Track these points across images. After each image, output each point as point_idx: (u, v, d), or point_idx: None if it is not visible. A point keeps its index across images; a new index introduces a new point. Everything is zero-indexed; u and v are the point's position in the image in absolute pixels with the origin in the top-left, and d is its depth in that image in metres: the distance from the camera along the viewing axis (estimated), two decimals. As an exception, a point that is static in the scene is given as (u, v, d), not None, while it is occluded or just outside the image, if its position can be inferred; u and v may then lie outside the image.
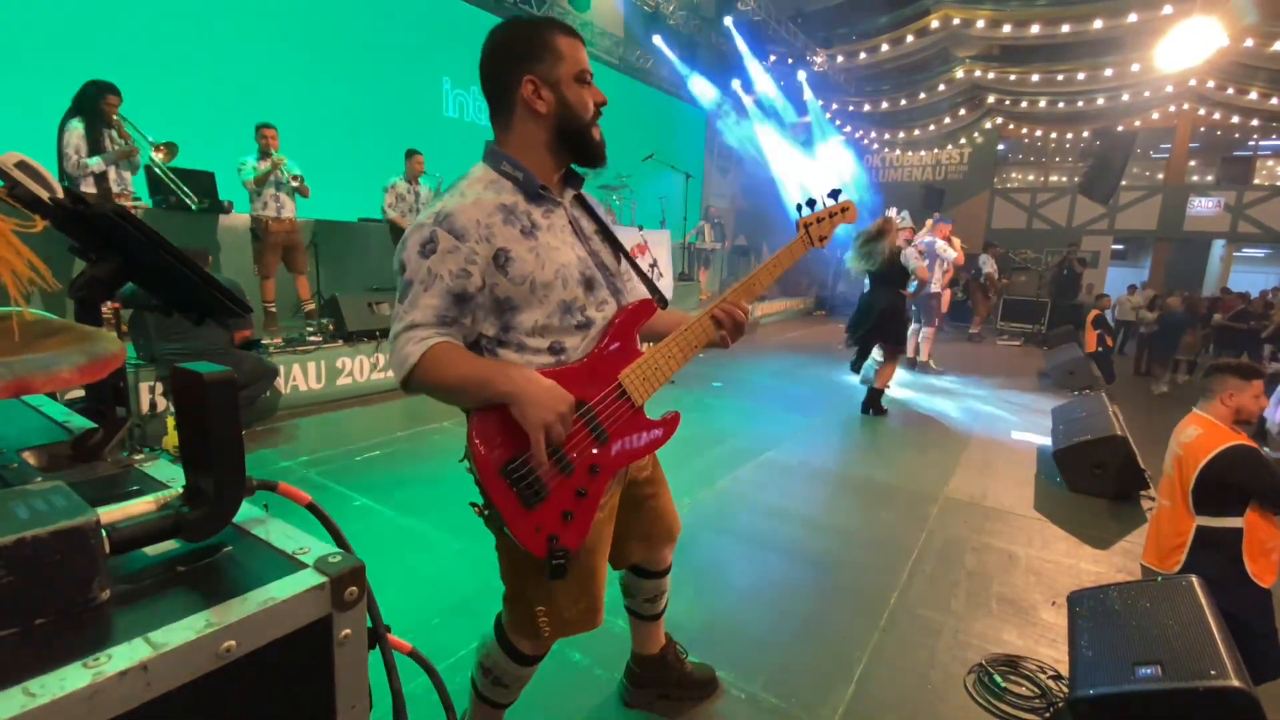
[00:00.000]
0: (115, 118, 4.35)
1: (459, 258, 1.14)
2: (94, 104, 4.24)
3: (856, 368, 5.69)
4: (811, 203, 1.47)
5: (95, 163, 4.22)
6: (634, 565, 1.63)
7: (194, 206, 5.07)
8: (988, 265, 10.66)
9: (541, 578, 1.21)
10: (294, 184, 5.28)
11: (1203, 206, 13.96)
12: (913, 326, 7.25)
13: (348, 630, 0.61)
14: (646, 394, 1.27)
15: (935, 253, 6.89)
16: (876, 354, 5.36)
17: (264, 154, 5.17)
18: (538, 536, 1.15)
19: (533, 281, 1.19)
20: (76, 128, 4.19)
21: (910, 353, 7.39)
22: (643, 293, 1.41)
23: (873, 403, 5.35)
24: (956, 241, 7.10)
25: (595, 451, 1.22)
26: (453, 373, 1.12)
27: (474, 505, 1.23)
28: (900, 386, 6.35)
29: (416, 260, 1.14)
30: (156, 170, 4.90)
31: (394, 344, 1.15)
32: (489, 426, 1.13)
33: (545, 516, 1.16)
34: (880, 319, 5.21)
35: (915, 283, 6.13)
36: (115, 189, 4.42)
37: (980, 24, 9.87)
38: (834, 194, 1.49)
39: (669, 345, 1.29)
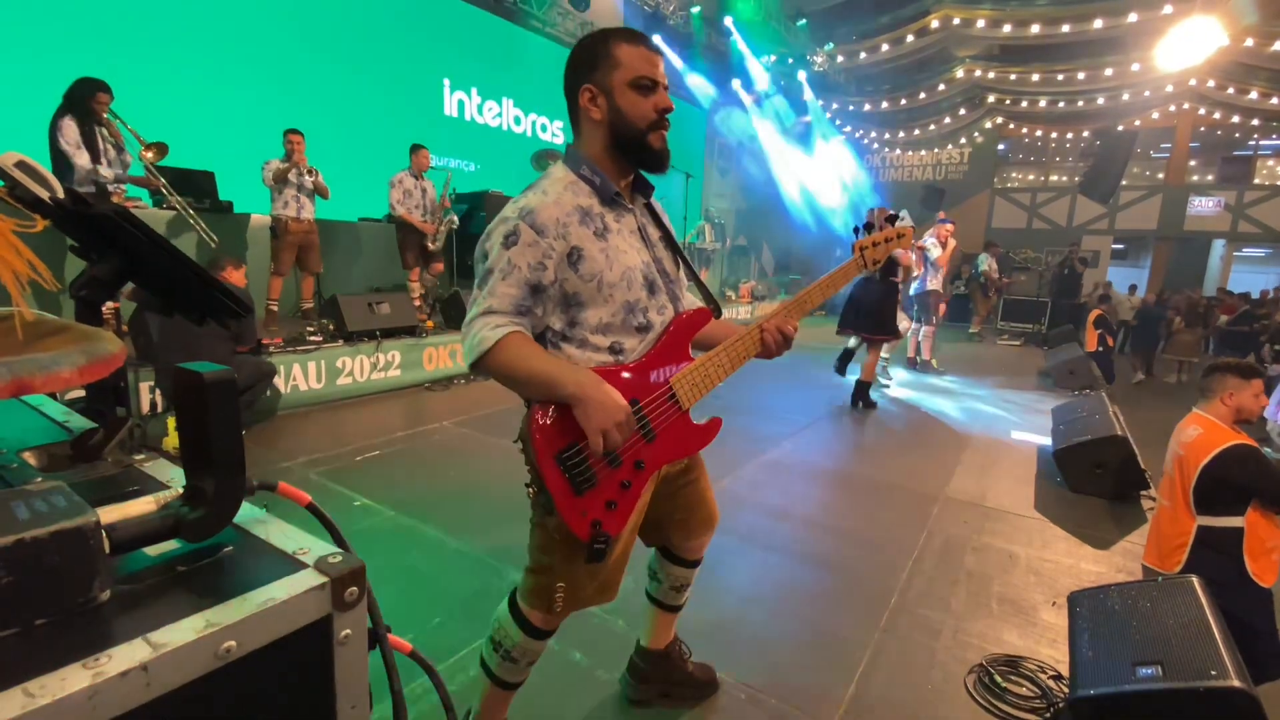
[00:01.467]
0: (105, 116, 4.34)
1: (538, 251, 1.21)
2: (84, 102, 4.23)
3: (841, 370, 5.72)
4: (870, 227, 1.54)
5: (107, 174, 4.28)
6: (668, 549, 1.68)
7: (180, 209, 5.05)
8: (985, 264, 10.66)
9: (570, 556, 1.31)
10: (309, 179, 5.33)
11: (1203, 206, 13.97)
12: (913, 326, 7.26)
13: (348, 630, 0.61)
14: (694, 399, 1.33)
15: (925, 247, 6.91)
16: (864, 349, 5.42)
17: (288, 157, 5.25)
18: (583, 520, 1.22)
19: (600, 280, 1.26)
20: (71, 125, 4.18)
21: (911, 352, 7.40)
22: (698, 300, 1.48)
23: (861, 395, 5.38)
24: (952, 243, 7.10)
25: (642, 448, 1.28)
26: (524, 365, 1.19)
27: (526, 486, 1.30)
28: (900, 386, 6.36)
29: (499, 250, 1.21)
30: (146, 170, 4.90)
31: (470, 326, 1.21)
32: (550, 414, 1.21)
33: (592, 503, 1.23)
34: (873, 311, 5.27)
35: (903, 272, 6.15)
36: (110, 188, 4.42)
37: (980, 24, 9.87)
38: (891, 219, 1.56)
39: (719, 355, 1.35)
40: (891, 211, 1.61)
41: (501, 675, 1.50)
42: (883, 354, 5.77)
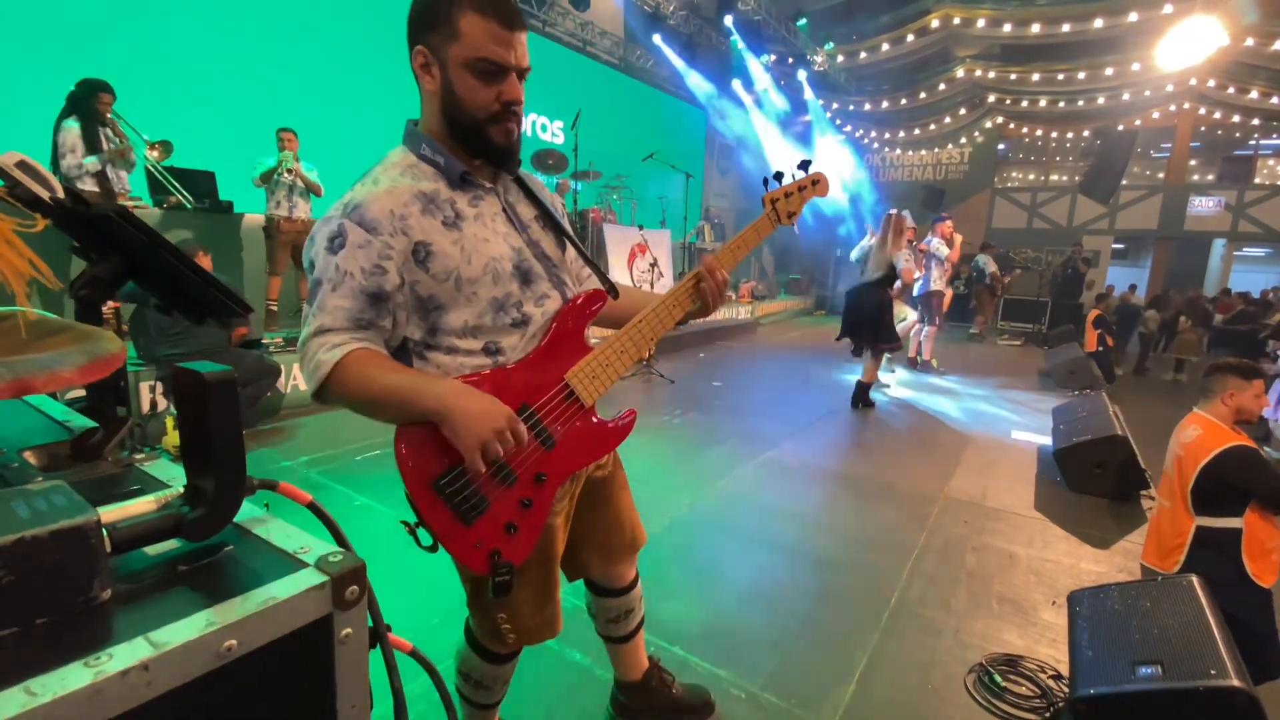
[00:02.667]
0: (109, 116, 4.35)
1: (371, 253, 1.02)
2: (87, 103, 4.24)
3: (859, 352, 5.67)
4: (780, 176, 1.35)
5: (91, 162, 4.24)
6: (590, 582, 1.52)
7: (188, 205, 5.06)
8: (989, 265, 10.67)
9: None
10: (293, 177, 5.29)
11: (1203, 206, 13.97)
12: (916, 326, 7.26)
13: (348, 629, 0.61)
14: (597, 393, 1.17)
15: (930, 249, 6.90)
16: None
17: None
18: (478, 553, 1.05)
19: (458, 278, 1.07)
20: (72, 127, 4.20)
21: (912, 352, 7.40)
22: (595, 283, 1.30)
23: (861, 396, 5.38)
24: (958, 239, 7.09)
25: (541, 458, 1.11)
26: (373, 385, 0.99)
27: (405, 524, 1.07)
28: (901, 386, 6.36)
29: (324, 257, 1.02)
30: (152, 169, 4.90)
31: (303, 351, 1.02)
32: (418, 435, 1.01)
33: (486, 531, 1.05)
34: (870, 320, 5.26)
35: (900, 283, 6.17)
36: (115, 188, 4.43)
37: (980, 23, 9.87)
38: (804, 165, 1.37)
39: (621, 339, 1.20)
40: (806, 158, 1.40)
41: (478, 700, 1.45)
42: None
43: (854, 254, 5.65)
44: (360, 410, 1.03)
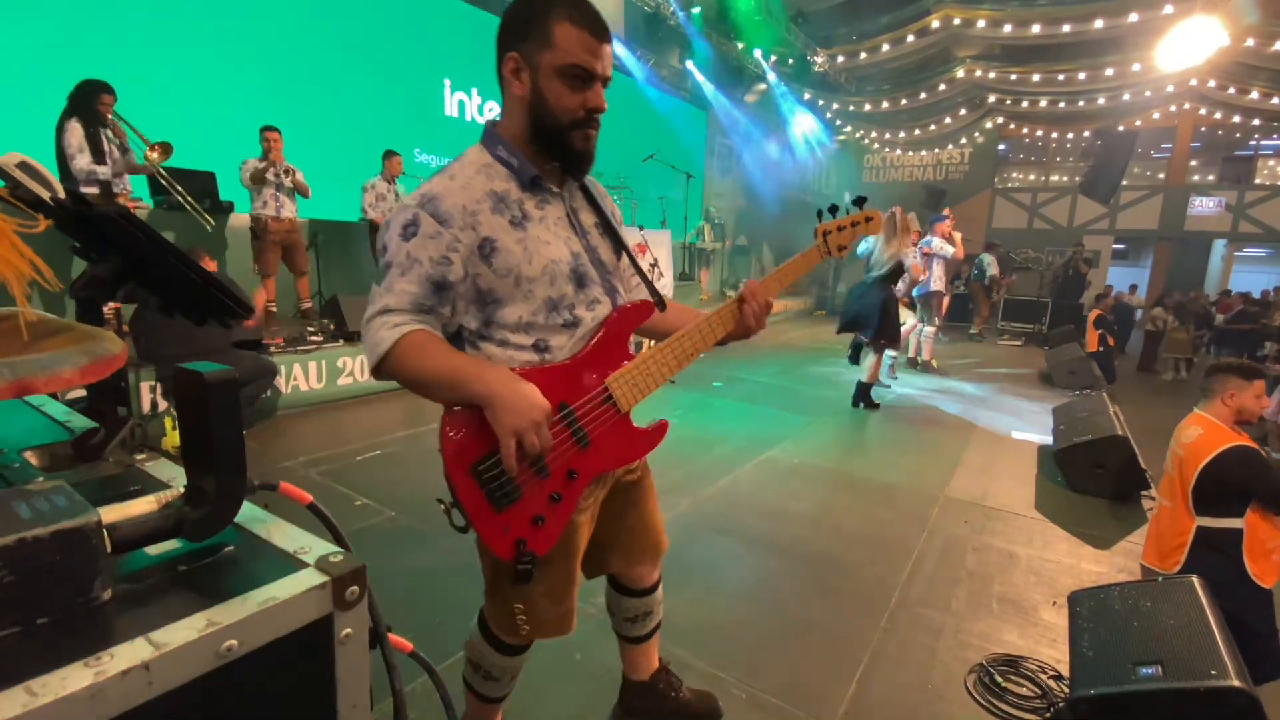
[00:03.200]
0: (110, 117, 4.35)
1: (440, 244, 1.09)
2: (88, 103, 4.24)
3: (855, 359, 5.67)
4: (834, 209, 1.41)
5: (103, 170, 4.27)
6: (613, 579, 1.57)
7: (188, 207, 5.06)
8: (991, 266, 10.65)
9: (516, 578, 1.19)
10: (286, 179, 5.28)
11: (1204, 206, 13.98)
12: (916, 326, 7.26)
13: (349, 630, 0.61)
14: (634, 400, 1.22)
15: (934, 250, 6.88)
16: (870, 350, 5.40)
17: (265, 155, 5.22)
18: (505, 539, 1.11)
19: (517, 275, 1.14)
20: (76, 128, 4.20)
21: (911, 352, 7.39)
22: (644, 292, 1.36)
23: (863, 396, 5.37)
24: (958, 236, 7.07)
25: (574, 456, 1.16)
26: (428, 366, 1.06)
27: (440, 501, 1.15)
28: (901, 386, 6.36)
29: (397, 243, 1.09)
30: (153, 170, 4.90)
31: (367, 327, 1.09)
32: (463, 419, 1.08)
33: (515, 519, 1.11)
34: (872, 315, 5.24)
35: (907, 279, 6.13)
36: (115, 189, 4.43)
37: (981, 24, 9.87)
38: (859, 201, 1.42)
39: (663, 351, 1.24)
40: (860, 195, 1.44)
41: (485, 692, 1.46)
42: (889, 354, 5.76)
43: (860, 247, 5.61)
44: (413, 388, 1.09)
